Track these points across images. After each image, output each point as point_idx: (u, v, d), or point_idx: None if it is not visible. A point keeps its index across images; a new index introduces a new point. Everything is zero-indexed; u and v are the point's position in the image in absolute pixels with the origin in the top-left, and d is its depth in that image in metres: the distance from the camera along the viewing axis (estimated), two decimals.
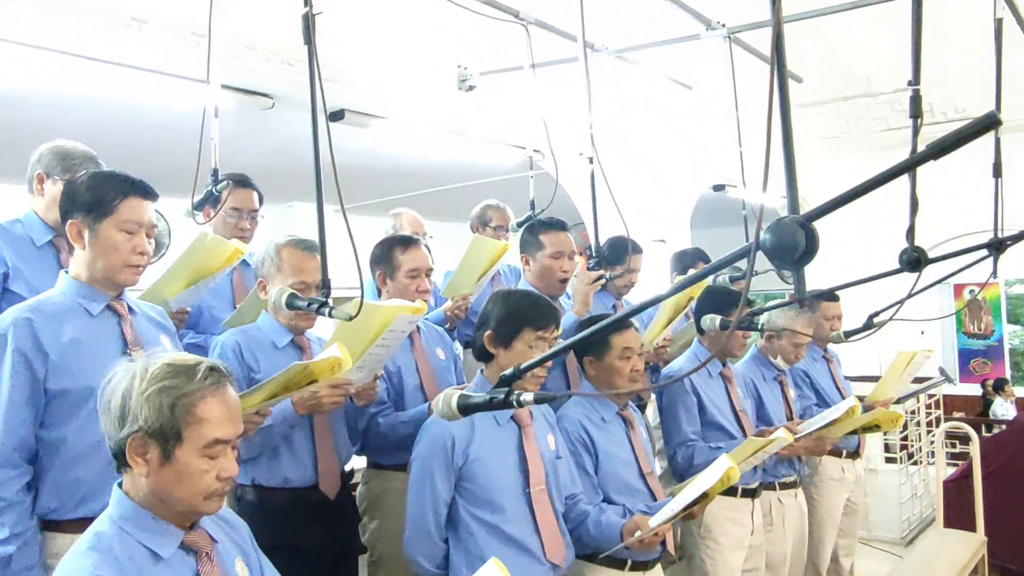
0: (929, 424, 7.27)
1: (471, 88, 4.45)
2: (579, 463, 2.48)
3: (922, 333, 10.45)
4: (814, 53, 5.71)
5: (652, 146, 5.31)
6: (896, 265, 2.17)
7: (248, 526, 2.11)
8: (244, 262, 2.89)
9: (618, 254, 3.49)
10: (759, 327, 2.87)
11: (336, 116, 3.97)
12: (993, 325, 10.28)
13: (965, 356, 10.39)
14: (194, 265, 2.38)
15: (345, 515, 2.49)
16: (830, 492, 3.73)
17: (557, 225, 2.99)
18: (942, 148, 1.00)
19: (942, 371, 9.37)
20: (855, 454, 3.83)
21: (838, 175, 6.79)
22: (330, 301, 1.85)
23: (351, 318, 1.77)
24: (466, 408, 1.55)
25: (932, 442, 6.59)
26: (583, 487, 2.45)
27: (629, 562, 2.50)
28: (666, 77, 4.46)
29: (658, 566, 2.64)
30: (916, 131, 2.17)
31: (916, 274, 2.14)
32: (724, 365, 3.12)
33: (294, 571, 2.16)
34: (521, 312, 2.18)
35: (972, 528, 4.56)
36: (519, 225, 3.68)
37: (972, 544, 4.25)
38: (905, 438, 7.12)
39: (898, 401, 6.32)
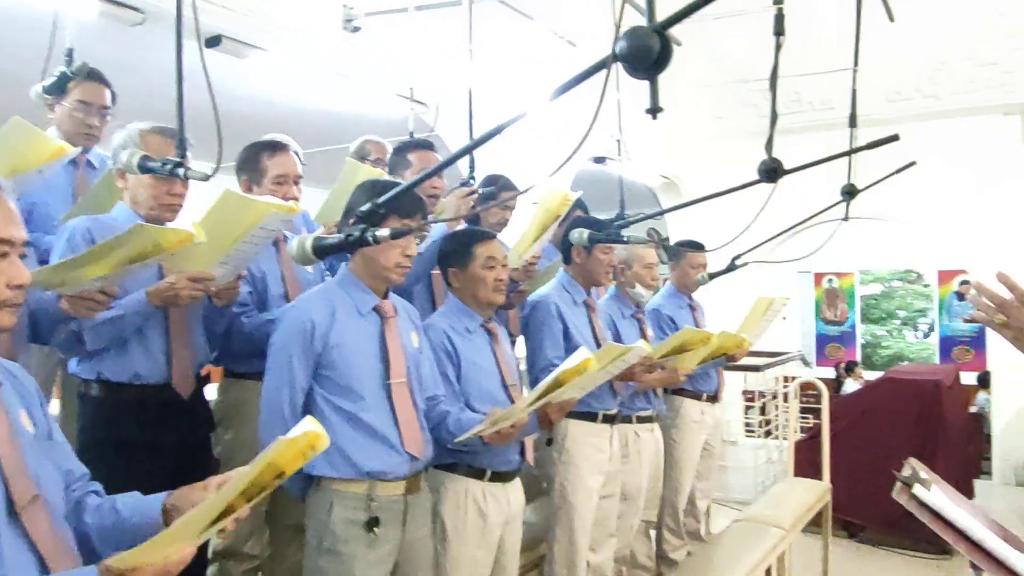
0: (786, 399, 7.63)
1: (356, 29, 4.38)
2: (442, 371, 2.49)
3: (784, 319, 11.10)
4: (691, 44, 5.97)
5: (534, 103, 5.36)
6: (755, 176, 2.31)
7: (88, 422, 2.06)
8: (89, 163, 2.75)
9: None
10: (625, 240, 2.95)
11: (212, 42, 3.83)
12: (848, 313, 11.02)
13: (822, 341, 11.11)
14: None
15: (198, 419, 2.41)
16: (689, 433, 3.89)
17: (424, 145, 2.99)
18: None
19: (803, 358, 10.00)
20: (714, 397, 4.01)
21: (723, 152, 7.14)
22: (185, 162, 1.78)
23: (207, 178, 1.71)
24: (321, 249, 1.53)
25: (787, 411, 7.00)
26: (448, 395, 2.46)
27: (489, 472, 2.54)
28: (552, 32, 4.52)
29: (517, 480, 2.69)
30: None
31: (773, 183, 2.28)
32: (588, 294, 3.19)
33: (142, 468, 2.09)
34: (386, 200, 2.16)
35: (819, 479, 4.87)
36: None
37: (818, 490, 4.54)
38: (764, 412, 7.52)
39: (756, 370, 6.72)
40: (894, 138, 2.11)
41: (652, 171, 8.37)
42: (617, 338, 3.41)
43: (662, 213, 3.19)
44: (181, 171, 1.77)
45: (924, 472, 2.34)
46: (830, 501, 4.61)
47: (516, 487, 2.66)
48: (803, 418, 7.03)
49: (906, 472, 2.29)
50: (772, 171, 2.24)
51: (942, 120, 7.51)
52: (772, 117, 2.21)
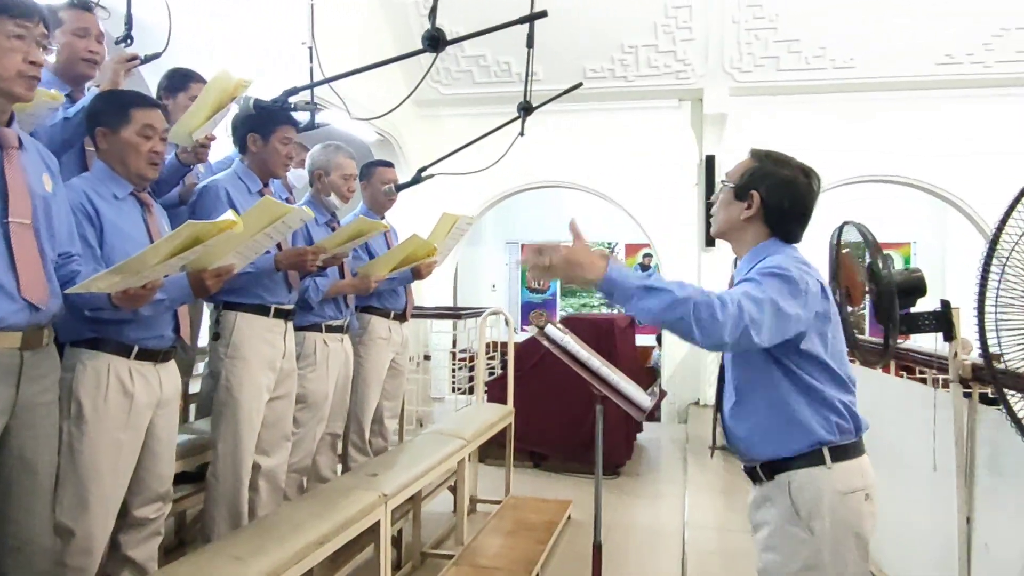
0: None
1: None
2: (81, 233, 2.25)
3: (493, 287, 11.69)
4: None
5: None
6: (420, 46, 2.35)
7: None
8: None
9: (176, 83, 3.30)
10: (314, 126, 2.90)
11: None
12: (550, 282, 11.87)
13: (527, 308, 11.88)
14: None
15: None
16: (377, 350, 3.89)
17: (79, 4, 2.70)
18: None
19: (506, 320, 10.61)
20: (402, 316, 4.05)
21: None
22: None
23: None
24: None
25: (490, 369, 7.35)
26: (85, 257, 2.23)
27: (136, 349, 2.34)
28: None
29: (172, 362, 2.51)
30: None
31: (435, 53, 2.34)
32: (265, 185, 3.07)
33: None
34: None
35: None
36: None
37: (501, 412, 4.80)
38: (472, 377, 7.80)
39: (458, 317, 6.91)
40: (543, 14, 2.26)
41: (368, 128, 8.36)
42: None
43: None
44: None
45: (561, 327, 2.59)
46: (512, 422, 4.90)
47: (170, 369, 2.49)
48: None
49: (542, 320, 2.51)
50: (435, 40, 2.30)
51: (628, 100, 8.32)
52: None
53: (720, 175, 7.93)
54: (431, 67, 2.31)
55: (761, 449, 1.95)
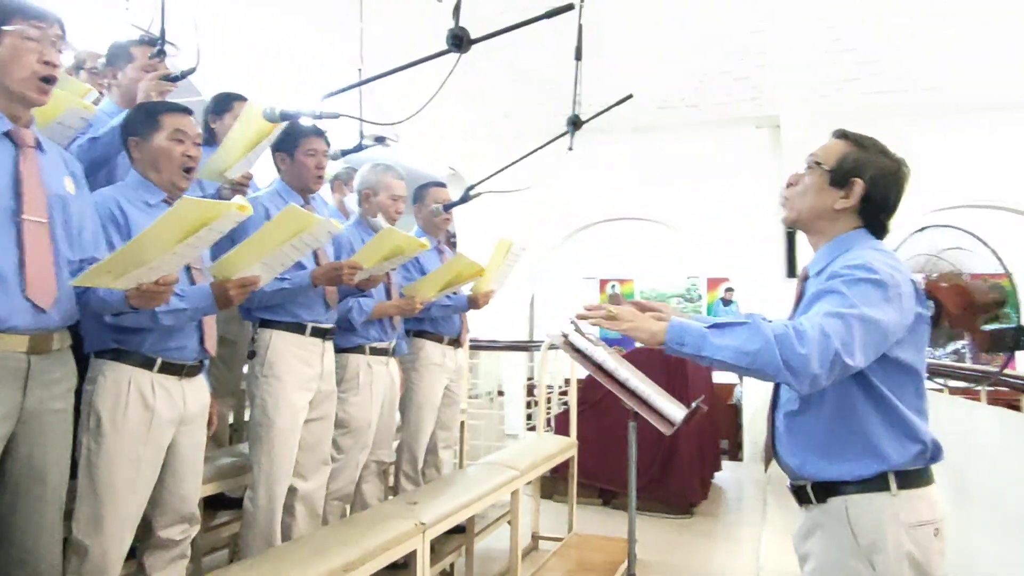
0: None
1: None
2: (107, 239, 2.22)
3: (571, 322, 11.47)
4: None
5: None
6: (445, 47, 2.26)
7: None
8: None
9: (221, 105, 3.33)
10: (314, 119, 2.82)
11: None
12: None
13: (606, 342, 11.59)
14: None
15: None
16: (430, 375, 3.77)
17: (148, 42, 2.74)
18: None
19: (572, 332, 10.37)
20: (456, 342, 3.92)
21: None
22: None
23: None
24: None
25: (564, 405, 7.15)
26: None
27: (159, 362, 2.29)
28: None
29: (200, 377, 2.45)
30: None
31: (457, 54, 2.24)
32: (307, 202, 3.02)
33: None
34: (5, 2, 1.87)
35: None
36: None
37: (563, 443, 4.60)
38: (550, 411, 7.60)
39: (526, 349, 6.76)
40: (569, 7, 2.13)
41: (440, 161, 8.42)
42: None
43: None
44: None
45: (592, 338, 2.40)
46: (575, 455, 4.68)
47: (197, 384, 2.42)
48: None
49: (569, 328, 2.34)
50: (459, 39, 2.20)
51: (703, 129, 8.11)
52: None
53: None
54: (454, 67, 2.20)
55: (817, 467, 1.71)
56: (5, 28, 1.85)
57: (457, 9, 2.21)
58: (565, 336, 2.27)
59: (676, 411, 2.13)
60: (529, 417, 8.40)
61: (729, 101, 7.96)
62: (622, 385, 2.15)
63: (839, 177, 1.75)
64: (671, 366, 5.62)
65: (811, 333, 1.52)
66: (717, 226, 8.16)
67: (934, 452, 1.65)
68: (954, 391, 3.97)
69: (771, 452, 1.89)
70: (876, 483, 1.64)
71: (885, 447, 1.64)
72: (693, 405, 2.30)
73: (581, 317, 1.80)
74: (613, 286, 11.51)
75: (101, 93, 3.07)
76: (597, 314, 1.75)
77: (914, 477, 1.64)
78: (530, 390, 8.31)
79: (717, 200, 8.13)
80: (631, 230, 9.60)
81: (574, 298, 11.56)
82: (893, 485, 1.64)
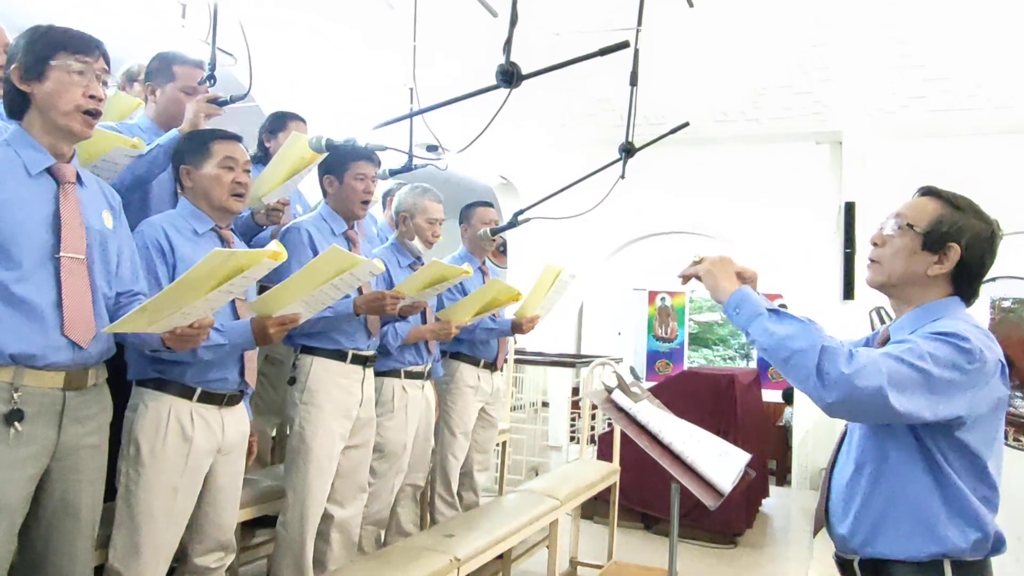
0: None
1: None
2: (151, 270, 2.23)
3: (619, 334, 11.33)
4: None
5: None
6: (494, 82, 2.21)
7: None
8: None
9: (276, 124, 3.35)
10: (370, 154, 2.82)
11: None
12: (677, 331, 11.37)
13: (652, 357, 11.40)
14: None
15: None
16: (464, 399, 3.74)
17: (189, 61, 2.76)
18: None
19: (633, 371, 10.22)
20: (492, 365, 3.87)
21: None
22: None
23: None
24: None
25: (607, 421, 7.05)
26: (152, 294, 2.20)
27: (198, 391, 2.29)
28: None
29: (240, 407, 2.44)
30: None
31: (509, 88, 2.19)
32: (351, 227, 3.01)
33: None
34: (52, 35, 1.89)
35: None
36: None
37: (606, 469, 4.52)
38: (593, 428, 7.53)
39: (571, 365, 6.70)
40: (624, 44, 2.06)
41: (492, 171, 8.37)
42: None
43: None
44: None
45: (636, 388, 2.32)
46: (617, 482, 4.59)
47: (236, 414, 2.42)
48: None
49: (613, 382, 2.26)
50: (509, 75, 2.15)
51: (761, 143, 7.91)
52: (512, 18, 2.12)
53: (866, 223, 7.39)
54: (504, 103, 2.15)
55: (868, 542, 1.62)
56: (52, 63, 1.86)
57: (508, 44, 2.16)
58: (608, 391, 2.19)
59: (723, 481, 2.03)
60: (573, 428, 8.32)
61: (789, 116, 7.75)
62: (666, 449, 2.07)
63: (933, 241, 1.63)
64: (720, 388, 5.50)
65: (863, 360, 1.45)
66: (772, 242, 7.95)
67: (996, 544, 1.54)
68: None
69: (823, 519, 1.80)
70: (930, 569, 1.55)
71: (943, 530, 1.54)
72: (740, 471, 2.20)
73: (680, 275, 1.84)
74: (663, 297, 11.32)
75: None
76: (690, 269, 1.80)
77: (973, 568, 1.53)
78: (575, 402, 8.22)
79: (773, 216, 7.92)
80: (683, 243, 9.43)
81: (623, 311, 11.43)
82: (948, 573, 1.53)
